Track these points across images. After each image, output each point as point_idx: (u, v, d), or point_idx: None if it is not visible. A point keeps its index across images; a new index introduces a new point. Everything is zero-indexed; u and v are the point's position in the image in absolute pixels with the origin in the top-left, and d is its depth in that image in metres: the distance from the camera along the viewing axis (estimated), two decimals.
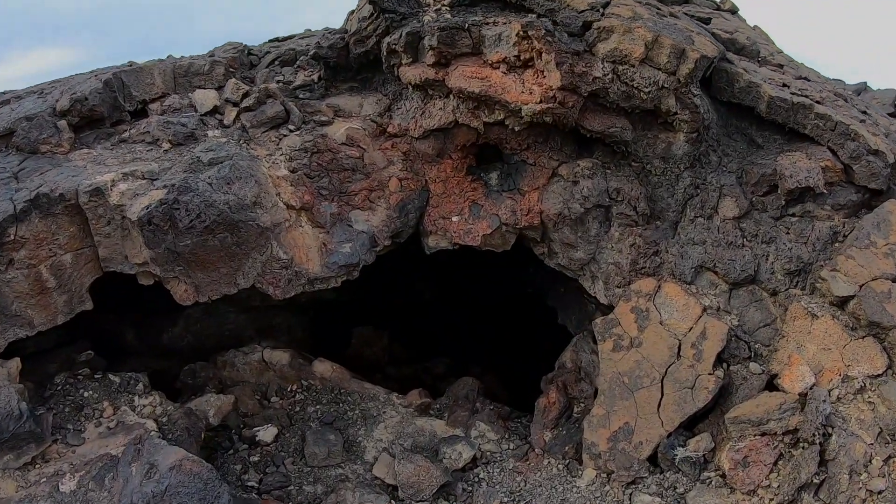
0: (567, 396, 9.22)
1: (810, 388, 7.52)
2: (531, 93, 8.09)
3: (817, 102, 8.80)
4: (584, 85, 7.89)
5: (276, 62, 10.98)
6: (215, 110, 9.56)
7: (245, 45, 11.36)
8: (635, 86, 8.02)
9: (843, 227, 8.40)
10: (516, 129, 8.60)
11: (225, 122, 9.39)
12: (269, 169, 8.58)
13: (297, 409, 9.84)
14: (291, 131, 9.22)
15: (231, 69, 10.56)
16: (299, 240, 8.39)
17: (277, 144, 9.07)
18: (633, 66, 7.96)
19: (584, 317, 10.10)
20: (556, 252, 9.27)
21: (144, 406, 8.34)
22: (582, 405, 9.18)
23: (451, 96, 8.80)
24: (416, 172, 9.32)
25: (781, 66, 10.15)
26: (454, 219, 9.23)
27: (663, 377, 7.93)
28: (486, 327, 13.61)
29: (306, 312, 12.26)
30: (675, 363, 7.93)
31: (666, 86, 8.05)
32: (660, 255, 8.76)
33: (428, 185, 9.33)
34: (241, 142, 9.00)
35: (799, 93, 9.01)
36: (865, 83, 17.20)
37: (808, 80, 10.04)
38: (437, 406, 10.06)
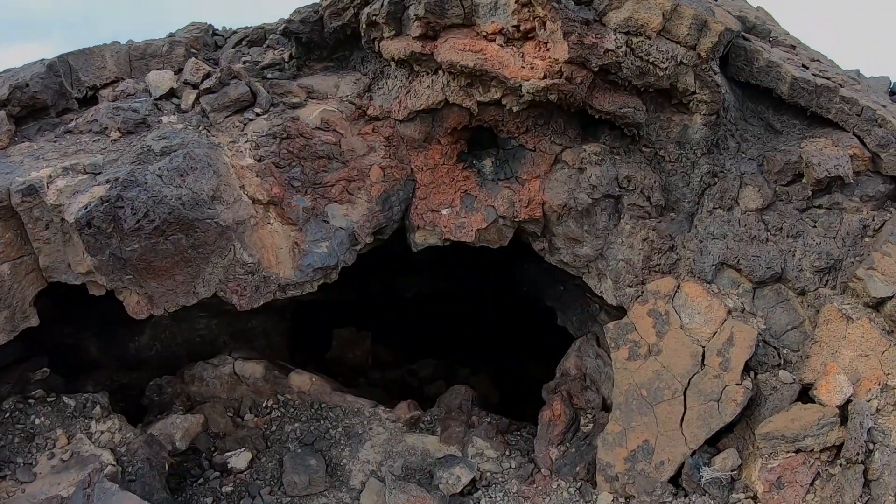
0: (573, 407, 8.32)
1: (849, 400, 6.75)
2: (533, 67, 7.05)
3: (839, 85, 7.96)
4: (594, 58, 6.88)
5: (244, 42, 9.78)
6: (172, 94, 8.37)
7: (210, 25, 10.17)
8: (651, 61, 7.05)
9: (873, 220, 7.60)
10: (515, 109, 7.57)
11: (182, 106, 8.20)
12: (231, 158, 7.42)
13: (274, 427, 8.78)
14: (258, 115, 8.07)
15: (193, 50, 9.35)
16: (267, 239, 7.27)
17: (242, 130, 7.92)
18: (650, 39, 6.98)
19: (588, 318, 9.20)
20: (558, 248, 8.30)
21: (102, 433, 7.51)
22: (590, 416, 8.29)
23: (441, 72, 7.72)
24: (400, 160, 8.23)
25: (794, 48, 9.28)
26: (444, 212, 8.20)
27: (686, 389, 7.06)
28: (475, 324, 12.68)
29: (283, 314, 11.29)
30: (699, 373, 7.07)
31: (685, 61, 7.10)
32: (676, 250, 7.86)
33: (414, 175, 8.26)
34: (200, 128, 7.82)
35: (820, 74, 8.17)
36: (858, 70, 16.55)
37: (822, 63, 9.21)
38: (428, 419, 9.08)
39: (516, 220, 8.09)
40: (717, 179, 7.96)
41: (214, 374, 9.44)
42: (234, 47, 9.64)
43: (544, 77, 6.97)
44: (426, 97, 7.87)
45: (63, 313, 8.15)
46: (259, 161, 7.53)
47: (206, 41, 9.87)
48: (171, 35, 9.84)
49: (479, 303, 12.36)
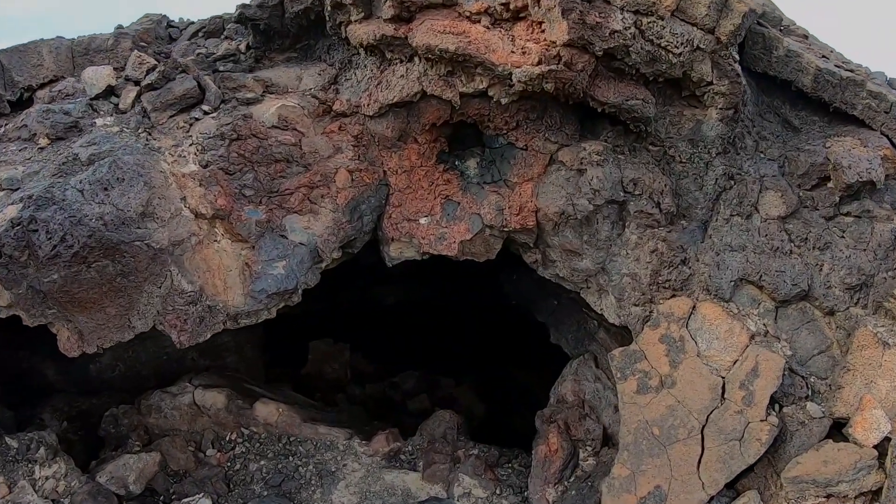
0: (570, 440, 7.39)
1: (887, 438, 5.89)
2: (525, 52, 5.98)
3: (865, 79, 7.03)
4: (598, 41, 5.82)
5: (201, 33, 8.59)
6: (111, 92, 7.21)
7: (164, 16, 9.01)
8: (663, 45, 6.02)
9: None
10: (503, 101, 6.50)
11: (121, 106, 7.09)
12: (171, 165, 6.29)
13: (238, 466, 7.76)
14: (206, 113, 6.94)
15: (142, 43, 8.19)
16: (213, 261, 6.16)
17: (187, 131, 6.80)
18: (662, 19, 5.94)
19: (585, 336, 8.25)
20: (553, 260, 7.30)
21: (47, 479, 6.81)
22: (589, 449, 7.37)
23: (417, 60, 6.62)
24: (371, 162, 7.14)
25: (806, 38, 8.29)
26: (422, 221, 7.14)
27: (704, 427, 6.14)
28: (459, 333, 11.72)
29: (256, 327, 10.24)
30: (719, 408, 6.15)
31: (702, 46, 6.10)
32: (688, 263, 6.89)
33: (387, 179, 7.18)
34: (138, 130, 6.72)
35: (843, 66, 7.22)
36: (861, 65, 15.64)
37: (837, 56, 8.26)
38: (409, 449, 8.10)
39: (505, 229, 7.06)
40: (733, 183, 7.01)
41: (173, 405, 8.42)
42: (189, 39, 8.47)
43: (539, 63, 5.90)
44: (400, 88, 6.76)
45: (15, 336, 7.18)
46: (204, 167, 6.40)
47: (158, 33, 8.73)
48: (119, 27, 8.63)
49: (464, 311, 11.39)
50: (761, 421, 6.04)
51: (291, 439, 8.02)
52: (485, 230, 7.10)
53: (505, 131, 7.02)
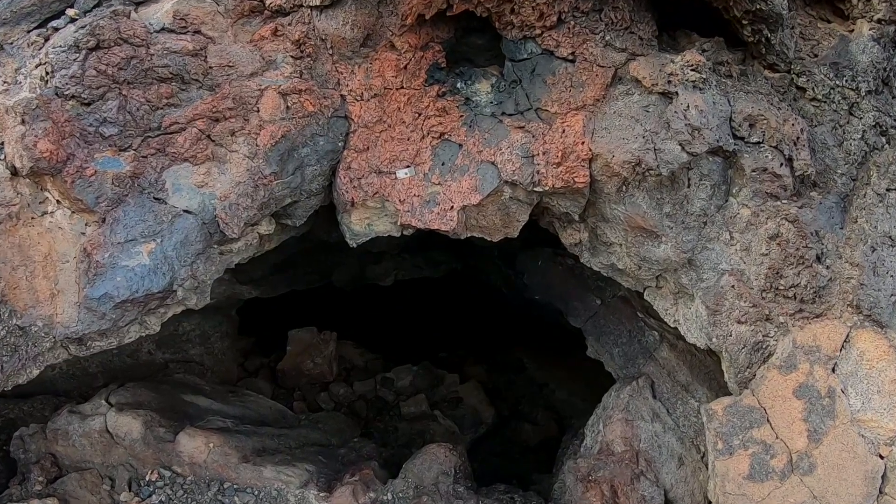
0: None
1: None
2: None
3: None
4: None
5: None
6: None
7: None
8: None
9: None
10: None
11: None
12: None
13: None
14: (73, 20, 4.31)
15: None
16: (35, 247, 3.61)
17: (42, 48, 4.22)
18: None
19: (639, 352, 5.67)
20: (609, 243, 4.60)
21: None
22: None
23: None
24: (320, 81, 4.41)
25: None
26: (401, 174, 4.45)
27: None
28: (467, 321, 9.29)
29: (227, 312, 8.34)
30: None
31: None
32: (825, 260, 4.22)
33: (346, 107, 4.45)
34: None
35: None
36: None
37: None
38: (388, 499, 5.72)
39: (537, 189, 4.33)
40: (887, 141, 4.27)
41: (83, 431, 6.13)
42: None
43: None
44: None
45: None
46: (40, 96, 3.77)
47: None
48: None
49: (472, 292, 8.86)
50: None
51: (226, 486, 5.69)
52: (503, 189, 4.39)
53: (538, 31, 4.22)
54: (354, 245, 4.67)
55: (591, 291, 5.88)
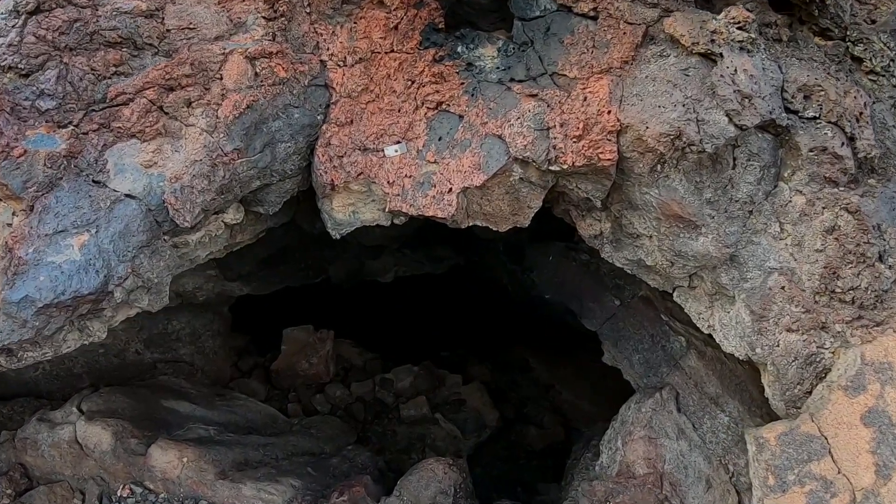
0: None
1: None
2: None
3: None
4: None
5: None
6: None
7: None
8: None
9: None
10: None
11: None
12: None
13: None
14: None
15: None
16: None
17: None
18: None
19: (663, 360, 4.99)
20: (636, 234, 3.91)
21: None
22: None
23: None
24: (296, 44, 3.75)
25: None
26: (391, 151, 3.78)
27: None
28: (468, 315, 8.70)
29: (218, 309, 7.79)
30: None
31: None
32: (887, 259, 3.54)
33: (326, 74, 3.79)
34: None
35: None
36: None
37: None
38: None
39: (553, 168, 3.64)
40: None
41: (52, 441, 5.61)
42: None
43: None
44: None
45: None
46: None
47: None
48: None
49: (475, 289, 8.25)
50: None
51: None
52: (511, 169, 3.70)
53: None
54: (338, 236, 4.02)
55: (609, 291, 5.20)
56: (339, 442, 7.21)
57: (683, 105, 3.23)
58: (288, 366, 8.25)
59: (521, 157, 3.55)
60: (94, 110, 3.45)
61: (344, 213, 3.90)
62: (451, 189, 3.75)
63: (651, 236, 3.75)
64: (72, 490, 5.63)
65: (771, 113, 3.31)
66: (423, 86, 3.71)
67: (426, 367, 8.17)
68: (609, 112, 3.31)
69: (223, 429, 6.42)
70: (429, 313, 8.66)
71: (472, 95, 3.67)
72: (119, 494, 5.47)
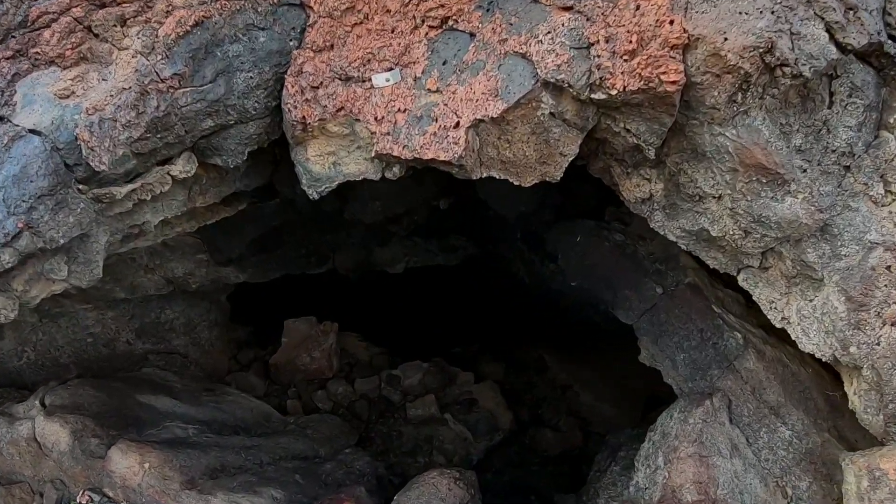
0: None
1: None
2: None
3: None
4: None
5: None
6: None
7: None
8: None
9: None
10: None
11: None
12: None
13: None
14: None
15: None
16: None
17: None
18: None
19: (713, 360, 4.15)
20: (699, 195, 3.04)
21: None
22: None
23: None
24: None
25: None
26: (380, 80, 2.95)
27: None
28: (482, 309, 8.00)
29: (215, 298, 7.46)
30: None
31: None
32: None
33: None
34: None
35: None
36: None
37: None
38: None
39: (598, 96, 2.75)
40: None
41: (10, 437, 5.06)
42: None
43: None
44: None
45: None
46: None
47: None
48: None
49: (491, 281, 7.63)
50: None
51: None
52: (540, 97, 2.81)
53: None
54: (316, 196, 3.21)
55: (649, 276, 4.34)
56: (337, 444, 6.54)
57: (773, 12, 2.37)
58: (288, 359, 7.69)
59: (553, 80, 2.69)
60: (13, 36, 2.71)
61: (322, 164, 3.10)
62: (458, 123, 2.88)
63: (720, 196, 2.88)
64: (32, 492, 5.04)
65: (879, 34, 2.44)
66: (425, 0, 2.90)
67: (436, 363, 7.56)
68: (671, 21, 2.45)
69: (205, 428, 5.76)
70: (440, 306, 8.09)
71: (487, 10, 2.84)
72: (78, 500, 4.82)
